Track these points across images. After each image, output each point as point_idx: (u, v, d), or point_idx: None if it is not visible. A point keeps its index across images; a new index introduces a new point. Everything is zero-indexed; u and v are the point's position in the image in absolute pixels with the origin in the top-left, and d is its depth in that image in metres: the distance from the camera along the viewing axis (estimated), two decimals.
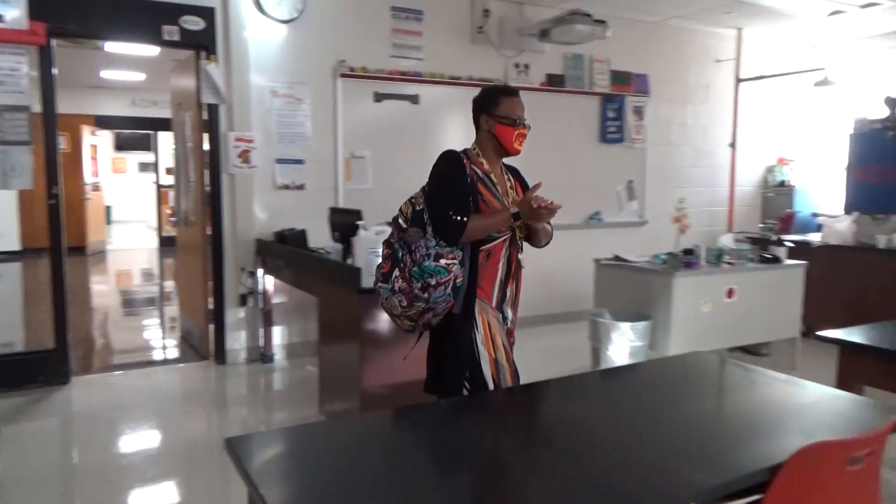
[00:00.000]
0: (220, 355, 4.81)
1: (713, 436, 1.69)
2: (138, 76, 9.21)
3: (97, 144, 11.23)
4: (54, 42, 4.20)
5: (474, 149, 2.54)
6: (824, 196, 7.07)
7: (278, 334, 5.00)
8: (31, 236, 4.67)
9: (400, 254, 2.26)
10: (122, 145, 14.07)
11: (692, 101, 6.79)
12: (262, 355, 4.87)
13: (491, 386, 2.16)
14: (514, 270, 2.42)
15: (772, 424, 1.75)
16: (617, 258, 4.66)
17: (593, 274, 4.78)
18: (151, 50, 6.59)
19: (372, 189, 5.28)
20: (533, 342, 5.65)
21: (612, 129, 6.28)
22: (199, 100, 4.66)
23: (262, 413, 4.14)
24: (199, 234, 4.99)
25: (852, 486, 1.49)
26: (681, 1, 5.81)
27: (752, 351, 5.04)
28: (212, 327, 4.87)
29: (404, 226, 2.32)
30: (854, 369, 2.39)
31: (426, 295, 2.17)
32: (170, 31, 4.45)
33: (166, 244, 11.08)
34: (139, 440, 3.59)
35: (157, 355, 5.47)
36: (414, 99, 5.40)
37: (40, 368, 4.24)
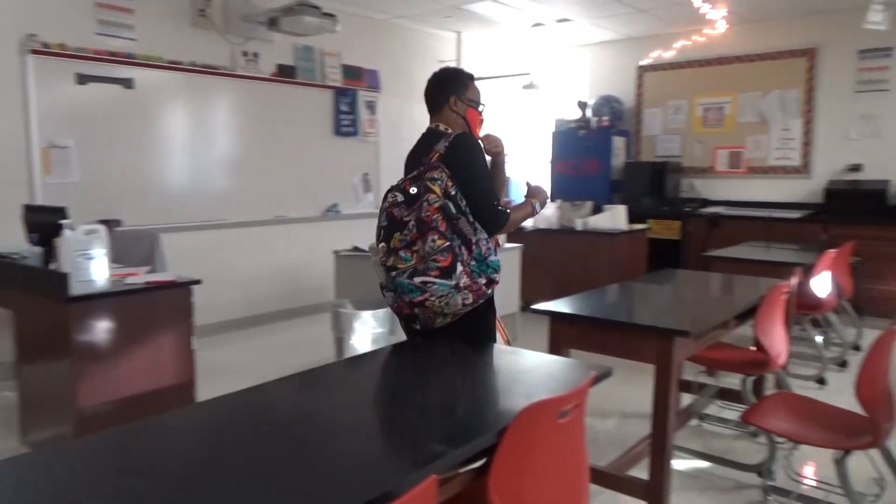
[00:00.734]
0: None
1: (449, 409, 1.79)
2: None
3: None
4: None
5: (447, 130, 2.42)
6: None
7: None
8: None
9: (457, 246, 2.06)
10: None
11: (419, 98, 7.13)
12: None
13: None
14: None
15: (499, 392, 1.91)
16: (356, 249, 4.73)
17: (333, 265, 4.79)
18: None
19: (79, 183, 4.66)
20: (274, 338, 5.50)
21: (346, 122, 6.36)
22: None
23: None
24: None
25: (563, 435, 1.69)
26: (405, 2, 6.07)
27: None
28: None
29: (454, 212, 2.13)
30: (561, 336, 2.71)
31: (490, 291, 2.00)
32: None
33: None
34: None
35: None
36: (127, 83, 4.87)
37: None
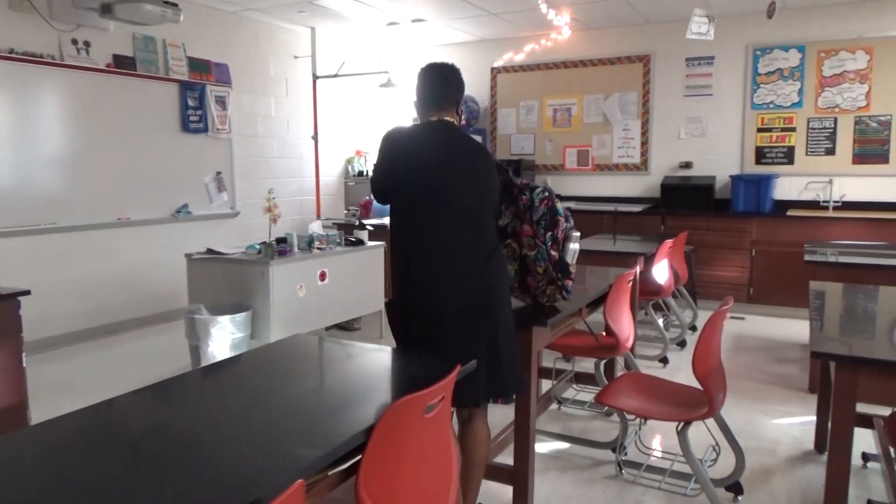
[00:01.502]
0: None
1: (316, 411, 1.75)
2: None
3: None
4: None
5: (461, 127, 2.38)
6: None
7: None
8: None
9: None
10: None
11: (274, 93, 6.94)
12: None
13: None
14: None
15: (367, 390, 1.89)
16: (210, 251, 4.49)
17: (185, 270, 4.52)
18: None
19: None
20: (122, 349, 5.10)
21: (195, 118, 6.01)
22: None
23: None
24: None
25: (431, 429, 1.71)
26: None
27: (346, 327, 5.44)
28: None
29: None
30: None
31: None
32: None
33: None
34: None
35: None
36: None
37: None
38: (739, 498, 2.77)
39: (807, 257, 4.10)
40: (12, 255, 4.73)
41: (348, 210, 7.29)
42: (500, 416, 3.66)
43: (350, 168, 7.93)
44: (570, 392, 3.98)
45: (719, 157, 6.73)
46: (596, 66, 7.23)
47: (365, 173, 7.85)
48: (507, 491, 2.68)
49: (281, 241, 4.43)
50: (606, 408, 3.48)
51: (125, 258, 5.57)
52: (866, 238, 5.49)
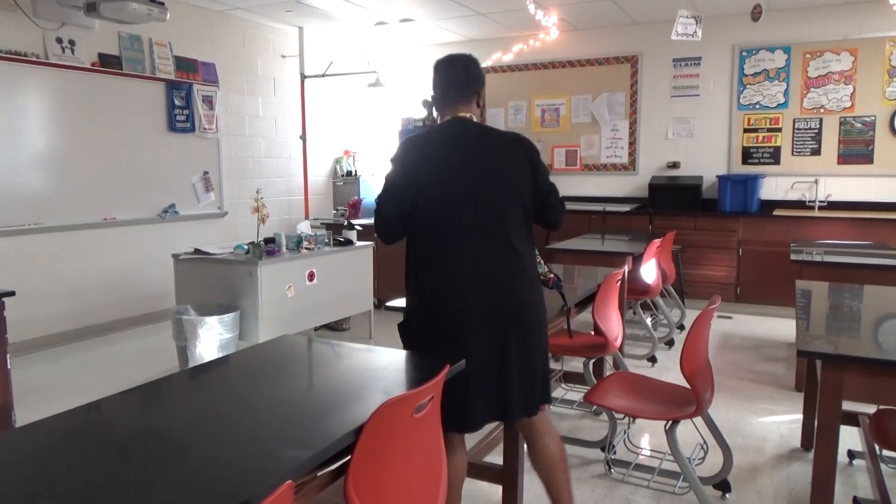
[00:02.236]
0: None
1: (305, 412, 1.74)
2: None
3: None
4: None
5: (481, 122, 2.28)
6: (383, 184, 7.97)
7: None
8: None
9: None
10: None
11: (262, 93, 6.91)
12: None
13: None
14: None
15: (356, 390, 1.88)
16: (198, 251, 4.47)
17: (172, 270, 4.49)
18: None
19: None
20: (109, 351, 5.06)
21: (182, 117, 5.98)
22: None
23: None
24: None
25: (420, 429, 1.71)
26: None
27: (334, 327, 5.42)
28: None
29: None
30: None
31: None
32: None
33: None
34: None
35: None
36: None
37: None
38: (727, 496, 2.79)
39: (793, 257, 4.13)
40: None
41: (337, 210, 7.27)
42: None
43: (338, 168, 7.91)
44: (560, 391, 3.99)
45: (706, 158, 6.78)
46: (584, 67, 7.25)
47: (353, 172, 7.83)
48: (497, 490, 2.68)
49: (269, 241, 4.41)
50: (595, 407, 3.50)
51: (111, 258, 5.52)
52: (851, 237, 5.55)
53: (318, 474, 1.53)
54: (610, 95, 7.16)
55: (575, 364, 4.01)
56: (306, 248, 4.60)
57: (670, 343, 5.07)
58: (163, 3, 4.95)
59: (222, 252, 4.43)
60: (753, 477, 3.00)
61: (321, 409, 1.74)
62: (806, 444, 3.26)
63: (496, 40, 7.54)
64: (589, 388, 2.91)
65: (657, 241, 4.74)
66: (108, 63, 5.38)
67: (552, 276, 2.42)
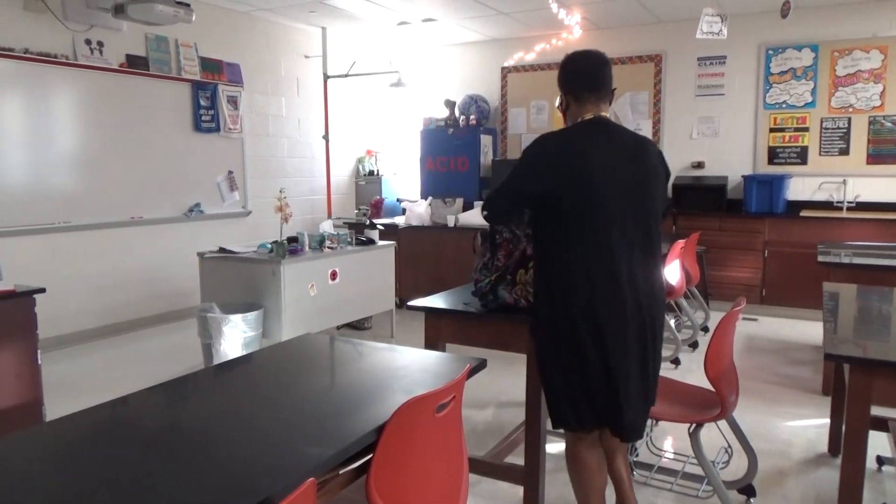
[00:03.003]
0: None
1: (327, 410, 1.75)
2: None
3: None
4: None
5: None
6: (406, 183, 8.02)
7: None
8: None
9: None
10: None
11: (285, 93, 6.96)
12: None
13: None
14: None
15: (377, 389, 1.89)
16: (222, 250, 4.52)
17: (198, 268, 4.55)
18: None
19: None
20: (135, 347, 5.14)
21: (207, 117, 6.05)
22: None
23: None
24: None
25: (441, 428, 1.71)
26: None
27: (356, 326, 5.45)
28: None
29: None
30: (437, 330, 2.74)
31: None
32: None
33: None
34: None
35: None
36: None
37: None
38: (752, 500, 2.75)
39: (820, 258, 4.06)
40: (27, 254, 4.77)
41: (359, 209, 7.31)
42: (511, 416, 3.66)
43: (361, 167, 7.94)
44: None
45: (731, 157, 6.69)
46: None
47: (374, 172, 7.86)
48: (518, 491, 2.68)
49: (292, 240, 4.44)
50: None
51: (138, 257, 5.61)
52: (881, 239, 5.43)
53: (340, 472, 1.54)
54: (633, 95, 7.10)
55: None
56: (329, 248, 4.63)
57: (694, 345, 5.02)
58: (188, 5, 5.01)
59: (246, 251, 4.48)
60: (779, 482, 2.96)
61: (343, 408, 1.75)
62: (833, 449, 3.21)
63: (518, 39, 7.52)
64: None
65: (681, 242, 4.69)
66: (135, 64, 5.47)
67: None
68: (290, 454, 1.46)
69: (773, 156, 6.53)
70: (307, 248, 4.53)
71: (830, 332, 2.35)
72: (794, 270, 5.93)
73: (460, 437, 1.82)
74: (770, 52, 6.44)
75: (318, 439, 1.52)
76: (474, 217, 6.05)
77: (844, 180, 6.24)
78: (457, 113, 7.61)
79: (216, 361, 3.93)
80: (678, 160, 6.93)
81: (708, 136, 6.80)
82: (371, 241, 5.07)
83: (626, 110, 7.14)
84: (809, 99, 6.33)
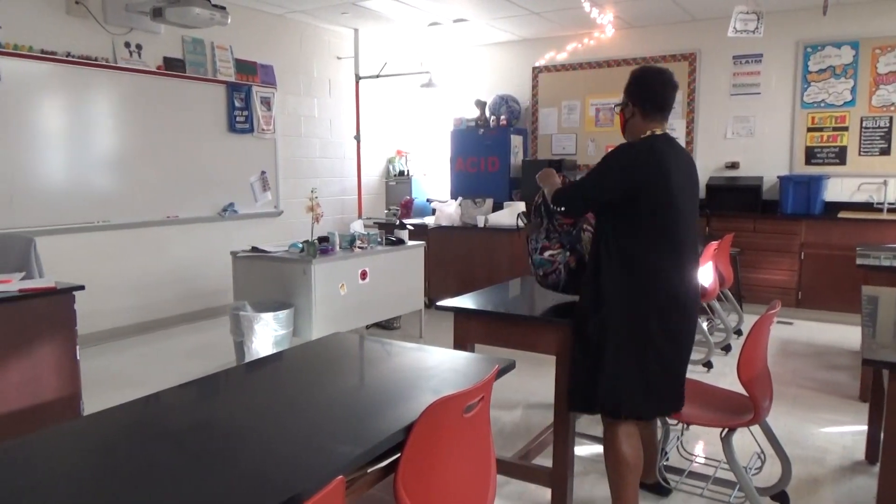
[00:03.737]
0: None
1: (356, 409, 1.77)
2: None
3: None
4: None
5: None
6: (435, 184, 8.04)
7: None
8: None
9: None
10: None
11: (317, 94, 7.03)
12: None
13: None
14: None
15: (406, 389, 1.91)
16: (255, 249, 4.58)
17: (231, 267, 4.62)
18: None
19: None
20: (170, 344, 5.25)
21: (241, 118, 6.14)
22: None
23: None
24: None
25: (469, 429, 1.71)
26: None
27: (385, 325, 5.48)
28: None
29: None
30: (466, 331, 2.74)
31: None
32: None
33: None
34: None
35: None
36: None
37: None
38: None
39: (859, 261, 3.96)
40: (68, 252, 4.90)
41: (389, 209, 7.35)
42: (539, 418, 3.65)
43: (391, 168, 7.99)
44: None
45: (767, 158, 6.56)
46: (640, 65, 7.12)
47: (405, 172, 7.89)
48: (546, 493, 2.66)
49: (323, 239, 4.49)
50: None
51: (173, 255, 5.72)
52: None
53: (368, 471, 1.56)
54: None
55: None
56: (359, 247, 4.67)
57: (727, 348, 4.94)
58: (224, 8, 5.10)
59: (278, 250, 4.54)
60: (814, 489, 2.90)
61: (372, 407, 1.77)
62: (871, 456, 3.13)
63: (550, 39, 7.48)
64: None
65: (714, 244, 4.62)
66: (172, 66, 5.58)
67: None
68: (318, 452, 1.47)
69: (811, 156, 6.39)
70: (338, 247, 4.57)
71: (869, 337, 2.29)
72: (831, 273, 5.79)
73: (488, 438, 1.82)
74: (808, 49, 6.30)
75: (347, 438, 1.54)
76: (504, 217, 6.04)
77: (885, 181, 6.08)
78: (487, 113, 7.61)
79: (248, 359, 3.99)
80: (712, 160, 6.83)
81: (743, 136, 6.68)
82: (401, 242, 5.09)
83: None
84: (849, 97, 6.18)
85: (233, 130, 6.09)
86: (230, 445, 1.51)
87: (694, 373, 4.36)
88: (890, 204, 6.03)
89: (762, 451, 2.82)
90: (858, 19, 6.06)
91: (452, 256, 6.14)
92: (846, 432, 3.50)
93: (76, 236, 5.00)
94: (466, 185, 7.43)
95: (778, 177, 6.33)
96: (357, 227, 5.25)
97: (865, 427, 3.21)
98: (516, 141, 7.51)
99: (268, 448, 1.50)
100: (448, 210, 6.43)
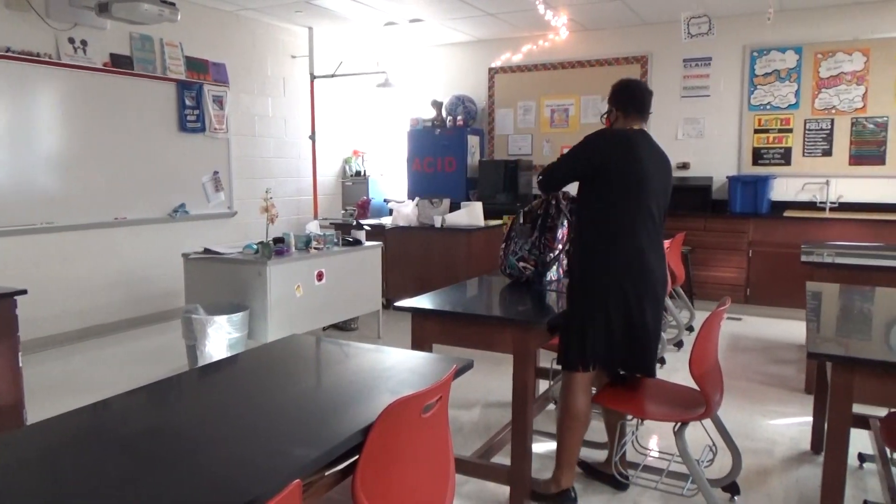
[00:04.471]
0: None
1: (313, 411, 1.74)
2: None
3: None
4: None
5: None
6: (392, 184, 8.01)
7: None
8: None
9: None
10: None
11: (271, 93, 6.93)
12: None
13: None
14: None
15: (364, 390, 1.89)
16: (207, 251, 4.49)
17: (183, 269, 4.51)
18: None
19: None
20: (119, 349, 5.10)
21: (192, 117, 6.01)
22: None
23: None
24: None
25: (428, 429, 1.71)
26: None
27: (343, 327, 5.43)
28: None
29: None
30: (424, 331, 2.74)
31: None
32: None
33: None
34: None
35: None
36: None
37: None
38: (736, 498, 2.77)
39: (803, 258, 4.10)
40: (9, 255, 4.72)
41: (345, 210, 7.29)
42: (497, 416, 3.66)
43: (347, 168, 7.92)
44: None
45: (716, 158, 6.74)
46: (593, 67, 7.23)
47: (361, 172, 7.84)
48: (505, 491, 2.68)
49: (278, 240, 4.42)
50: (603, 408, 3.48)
51: (122, 258, 5.56)
52: (863, 239, 5.50)
53: (326, 474, 1.54)
54: None
55: None
56: (315, 248, 4.62)
57: (679, 344, 5.05)
58: (174, 4, 4.98)
59: (232, 252, 4.45)
60: (763, 479, 2.98)
61: (329, 409, 1.75)
62: (816, 446, 3.24)
63: (505, 40, 7.53)
64: (598, 389, 2.90)
65: (667, 242, 4.71)
66: (119, 63, 5.42)
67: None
68: (275, 456, 1.45)
69: (758, 157, 6.59)
70: (293, 248, 4.51)
71: (813, 331, 2.37)
72: (777, 270, 5.99)
73: (447, 438, 1.82)
74: (755, 53, 6.50)
75: (304, 440, 1.52)
76: (461, 218, 6.06)
77: (827, 181, 6.31)
78: (444, 113, 7.62)
79: (201, 363, 3.90)
80: None
81: (693, 137, 6.85)
82: (358, 242, 5.06)
83: None
84: (793, 100, 6.40)
85: (184, 130, 5.95)
86: (183, 451, 1.47)
87: None
88: (832, 203, 6.27)
89: (714, 444, 2.89)
90: (802, 25, 6.27)
91: (410, 257, 6.13)
92: (793, 424, 3.62)
93: (18, 239, 4.81)
94: (423, 186, 7.42)
95: (727, 177, 6.51)
96: (313, 227, 5.19)
97: (811, 418, 3.33)
98: (473, 141, 7.54)
99: (222, 452, 1.47)
100: (405, 210, 6.41)
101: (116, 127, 5.41)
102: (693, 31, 5.46)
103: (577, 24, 6.88)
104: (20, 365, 2.96)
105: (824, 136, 6.31)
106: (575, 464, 2.70)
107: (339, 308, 4.85)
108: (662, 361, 4.62)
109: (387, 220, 6.59)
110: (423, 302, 2.85)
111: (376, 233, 6.07)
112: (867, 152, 6.16)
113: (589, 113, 7.27)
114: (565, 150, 2.72)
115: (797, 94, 6.37)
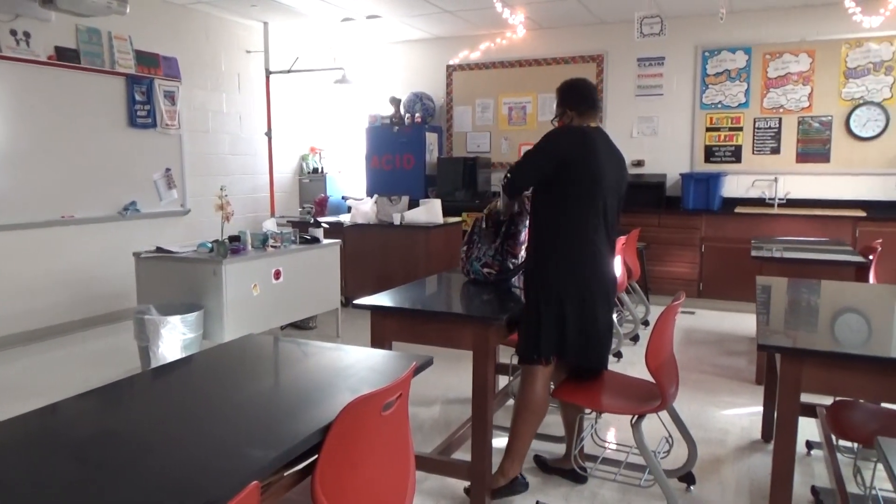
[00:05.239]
0: None
1: (271, 411, 1.72)
2: None
3: None
4: None
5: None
6: (351, 181, 7.95)
7: None
8: None
9: None
10: None
11: (226, 89, 6.80)
12: None
13: None
14: None
15: (323, 389, 1.87)
16: (160, 250, 4.38)
17: (134, 269, 4.39)
18: None
19: None
20: (67, 351, 4.94)
21: (143, 113, 5.85)
22: None
23: None
24: None
25: (388, 427, 1.70)
26: None
27: (301, 326, 5.37)
28: None
29: None
30: (383, 329, 2.72)
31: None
32: None
33: None
34: None
35: None
36: None
37: None
38: (692, 488, 2.84)
39: (753, 253, 4.22)
40: None
41: (303, 207, 7.20)
42: (457, 413, 3.67)
43: (304, 165, 7.83)
44: None
45: (670, 156, 6.89)
46: (550, 66, 7.30)
47: (319, 170, 7.76)
48: (465, 486, 2.68)
49: (234, 239, 4.34)
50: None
51: (70, 257, 5.38)
52: (809, 234, 5.69)
53: (285, 474, 1.52)
54: None
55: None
56: (272, 247, 4.55)
57: (635, 338, 5.14)
58: None
59: (185, 250, 4.35)
60: (716, 469, 3.06)
61: (287, 409, 1.72)
62: (766, 435, 3.34)
63: (463, 38, 7.54)
64: (556, 383, 2.93)
65: (622, 239, 4.80)
66: (65, 56, 5.24)
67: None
68: (232, 457, 1.42)
69: (710, 154, 6.75)
70: (249, 247, 4.44)
71: (763, 324, 2.44)
72: (729, 265, 6.15)
73: (407, 435, 1.81)
74: (706, 53, 6.65)
75: (262, 441, 1.49)
76: (420, 215, 6.04)
77: (776, 178, 6.50)
78: (402, 111, 7.59)
79: (154, 365, 3.81)
80: None
81: (647, 135, 6.98)
82: (315, 240, 5.00)
83: None
84: (743, 100, 6.57)
85: (133, 125, 5.78)
86: (136, 455, 1.43)
87: None
88: (780, 199, 6.46)
89: (670, 436, 2.95)
90: (751, 27, 6.45)
91: (369, 254, 6.09)
92: (744, 414, 3.72)
93: None
94: (382, 183, 7.39)
95: (680, 174, 6.65)
96: (270, 225, 5.10)
97: (761, 408, 3.43)
98: (431, 138, 7.53)
99: (177, 455, 1.43)
100: (364, 208, 6.36)
101: (62, 122, 5.23)
102: (646, 30, 5.56)
103: (534, 23, 6.93)
104: None
105: (772, 134, 6.50)
106: (524, 455, 2.74)
107: (297, 307, 4.79)
108: (619, 355, 4.70)
109: (345, 218, 6.53)
110: (382, 299, 2.84)
111: (334, 230, 6.01)
112: (813, 150, 6.37)
113: (546, 111, 7.34)
114: (525, 149, 2.72)
115: (747, 93, 6.55)
